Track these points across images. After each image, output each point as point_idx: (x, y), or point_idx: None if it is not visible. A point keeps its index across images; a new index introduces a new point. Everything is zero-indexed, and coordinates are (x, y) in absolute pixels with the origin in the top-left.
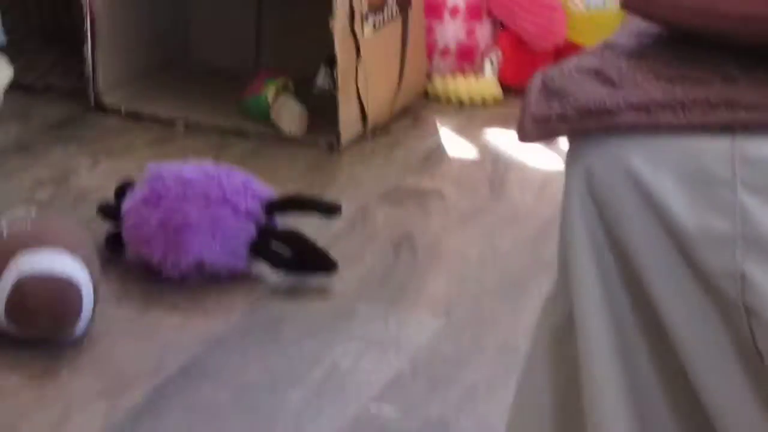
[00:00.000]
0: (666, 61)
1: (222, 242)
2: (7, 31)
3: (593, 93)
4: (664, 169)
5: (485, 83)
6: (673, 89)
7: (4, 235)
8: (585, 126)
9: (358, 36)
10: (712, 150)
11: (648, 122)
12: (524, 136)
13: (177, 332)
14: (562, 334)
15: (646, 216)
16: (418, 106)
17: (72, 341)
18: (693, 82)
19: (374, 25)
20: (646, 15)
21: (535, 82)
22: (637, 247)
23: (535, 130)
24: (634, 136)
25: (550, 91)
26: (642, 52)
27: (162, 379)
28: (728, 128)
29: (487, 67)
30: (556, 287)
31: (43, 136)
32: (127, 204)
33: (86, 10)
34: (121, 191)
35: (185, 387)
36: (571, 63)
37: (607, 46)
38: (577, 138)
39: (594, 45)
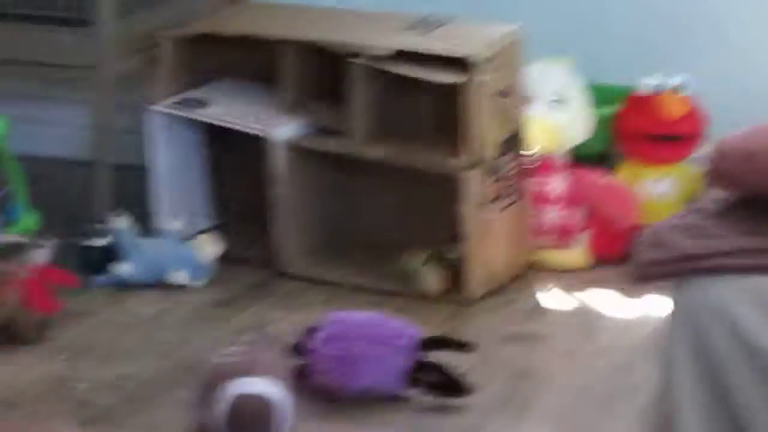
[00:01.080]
0: (743, 218)
1: (385, 372)
2: (218, 215)
3: (688, 243)
4: (748, 301)
5: (578, 255)
6: (751, 239)
7: (222, 365)
8: (683, 268)
9: (484, 218)
10: None
11: (733, 265)
12: (637, 279)
13: None
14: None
15: (734, 340)
16: (527, 273)
17: None
18: (765, 234)
19: (498, 209)
20: (730, 186)
21: (643, 238)
22: (724, 361)
23: (646, 273)
24: (722, 276)
25: (654, 244)
26: (723, 213)
27: None
28: None
29: (579, 242)
30: (657, 399)
31: (244, 294)
32: (312, 343)
33: (272, 199)
34: (309, 333)
35: None
36: (668, 222)
37: (694, 209)
38: (677, 278)
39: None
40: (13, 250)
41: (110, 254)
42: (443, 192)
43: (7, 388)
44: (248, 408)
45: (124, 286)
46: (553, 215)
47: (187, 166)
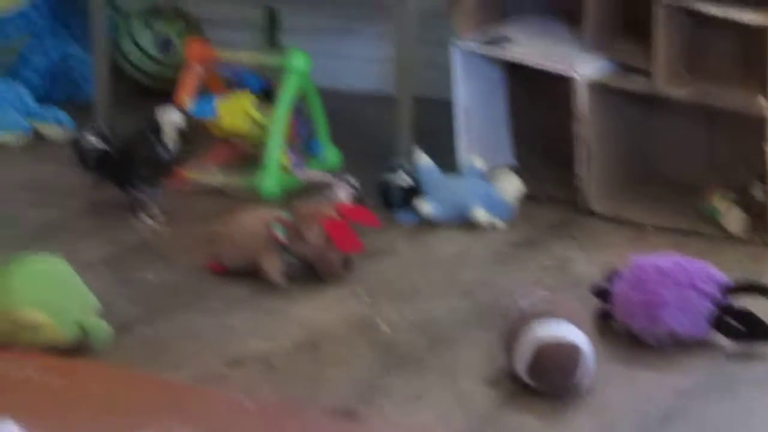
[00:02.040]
0: None
1: (690, 317)
2: (520, 153)
3: None
4: None
5: None
6: None
7: (525, 308)
8: None
9: None
10: None
11: None
12: None
13: (653, 385)
14: None
15: None
16: None
17: (575, 391)
18: None
19: None
20: None
21: None
22: None
23: None
24: None
25: None
26: None
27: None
28: None
29: None
30: None
31: (545, 234)
32: (616, 287)
33: (579, 138)
34: (611, 276)
35: (664, 428)
36: None
37: None
38: None
39: None
40: (317, 187)
41: (412, 191)
42: (748, 132)
43: (310, 328)
44: (553, 352)
45: (426, 223)
46: None
47: (489, 102)
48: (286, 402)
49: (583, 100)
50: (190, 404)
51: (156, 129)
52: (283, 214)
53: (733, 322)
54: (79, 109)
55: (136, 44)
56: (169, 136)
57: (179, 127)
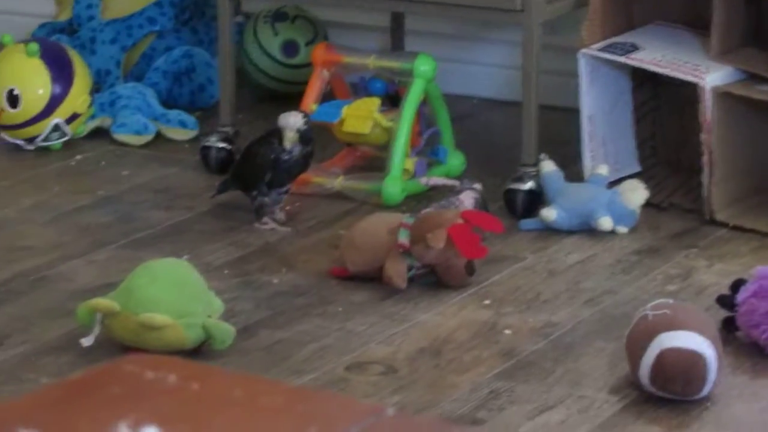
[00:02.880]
0: None
1: None
2: (644, 161)
3: None
4: None
5: None
6: None
7: (650, 317)
8: None
9: None
10: None
11: None
12: None
13: None
14: None
15: None
16: None
17: (699, 401)
18: None
19: None
20: None
21: None
22: None
23: None
24: None
25: None
26: None
27: None
28: None
29: None
30: None
31: (669, 243)
32: (741, 296)
33: (704, 146)
34: (736, 286)
35: None
36: None
37: None
38: None
39: None
40: (441, 193)
41: (536, 198)
42: None
43: (432, 334)
44: (677, 362)
45: (550, 231)
46: None
47: (614, 110)
48: (418, 412)
49: (708, 108)
50: (335, 413)
51: (279, 133)
52: (407, 220)
53: None
54: (204, 113)
55: (262, 48)
56: (292, 140)
57: (302, 131)
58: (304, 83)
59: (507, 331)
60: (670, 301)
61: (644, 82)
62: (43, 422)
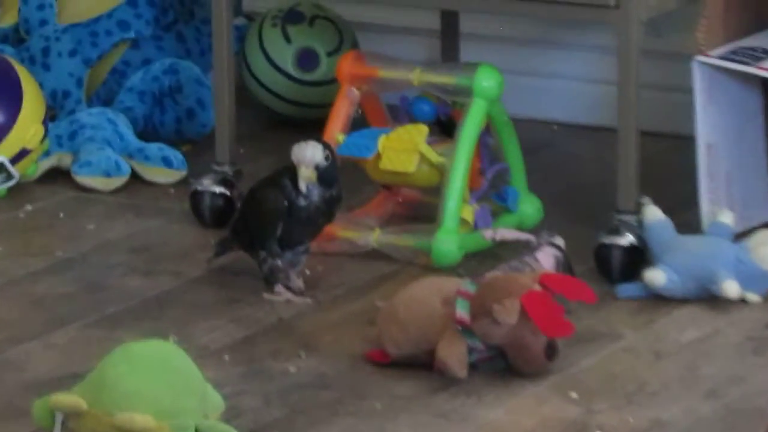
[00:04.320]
0: None
1: None
2: None
3: None
4: None
5: None
6: None
7: None
8: None
9: None
10: None
11: None
12: None
13: None
14: None
15: None
16: None
17: None
18: None
19: None
20: None
21: None
22: None
23: None
24: None
25: None
26: None
27: None
28: None
29: None
30: None
31: None
32: None
33: None
34: None
35: None
36: None
37: None
38: None
39: None
40: (511, 249)
41: (637, 256)
42: None
43: None
44: None
45: (657, 299)
46: None
47: (741, 136)
48: None
49: None
50: None
51: (293, 172)
52: (467, 287)
53: None
54: (194, 147)
55: (270, 59)
56: (310, 180)
57: (323, 168)
58: (327, 106)
59: None
60: None
61: None
62: None
